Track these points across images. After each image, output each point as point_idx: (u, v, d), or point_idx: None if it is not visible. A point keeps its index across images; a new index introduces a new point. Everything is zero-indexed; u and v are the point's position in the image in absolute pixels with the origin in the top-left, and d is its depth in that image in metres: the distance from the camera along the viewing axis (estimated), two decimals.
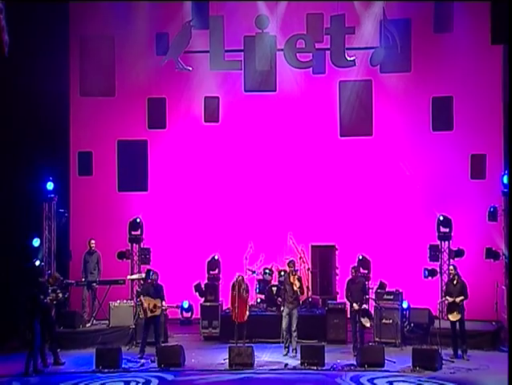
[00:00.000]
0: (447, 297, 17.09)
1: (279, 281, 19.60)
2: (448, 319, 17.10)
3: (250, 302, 18.73)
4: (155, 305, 17.32)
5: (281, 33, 20.85)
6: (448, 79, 20.72)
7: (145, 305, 17.36)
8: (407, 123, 21.11)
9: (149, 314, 17.34)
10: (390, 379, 15.13)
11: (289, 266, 17.81)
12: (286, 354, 17.28)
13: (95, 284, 19.76)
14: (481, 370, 15.69)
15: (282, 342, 17.58)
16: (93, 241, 20.02)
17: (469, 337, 17.18)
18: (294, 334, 17.40)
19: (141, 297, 17.56)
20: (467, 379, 15.05)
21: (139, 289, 18.93)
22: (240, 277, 17.62)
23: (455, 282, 17.08)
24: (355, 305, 17.17)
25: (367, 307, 17.52)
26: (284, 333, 17.52)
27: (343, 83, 21.25)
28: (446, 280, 18.06)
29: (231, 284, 17.76)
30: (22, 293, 16.72)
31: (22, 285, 17.09)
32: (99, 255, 20.05)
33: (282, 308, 17.77)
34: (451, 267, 17.47)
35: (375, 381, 15.06)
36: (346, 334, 18.46)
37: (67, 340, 18.33)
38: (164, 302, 17.62)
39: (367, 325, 17.30)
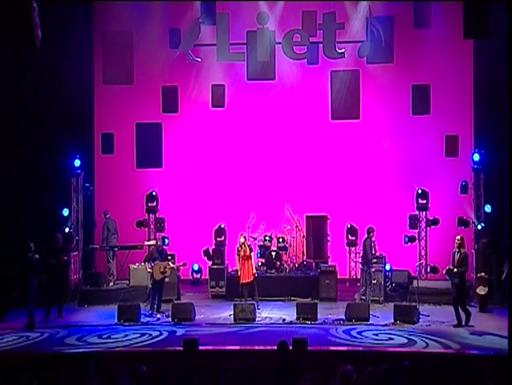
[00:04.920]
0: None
1: (278, 247, 19.94)
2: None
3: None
4: (165, 268, 17.39)
5: (279, 28, 20.88)
6: (426, 69, 20.82)
7: (149, 270, 17.47)
8: (390, 107, 21.21)
9: (160, 276, 17.40)
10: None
11: (369, 232, 18.06)
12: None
13: (116, 248, 20.15)
14: (452, 323, 15.89)
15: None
16: (107, 212, 20.47)
17: (442, 294, 17.48)
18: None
19: (146, 264, 17.68)
20: (441, 331, 15.32)
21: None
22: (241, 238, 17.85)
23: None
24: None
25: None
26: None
27: (334, 73, 21.34)
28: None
29: (236, 248, 17.99)
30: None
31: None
32: (115, 222, 20.38)
33: (364, 268, 18.02)
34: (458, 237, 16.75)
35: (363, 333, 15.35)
36: (336, 292, 18.66)
37: (92, 297, 18.77)
38: (171, 263, 17.83)
39: (482, 293, 17.50)
